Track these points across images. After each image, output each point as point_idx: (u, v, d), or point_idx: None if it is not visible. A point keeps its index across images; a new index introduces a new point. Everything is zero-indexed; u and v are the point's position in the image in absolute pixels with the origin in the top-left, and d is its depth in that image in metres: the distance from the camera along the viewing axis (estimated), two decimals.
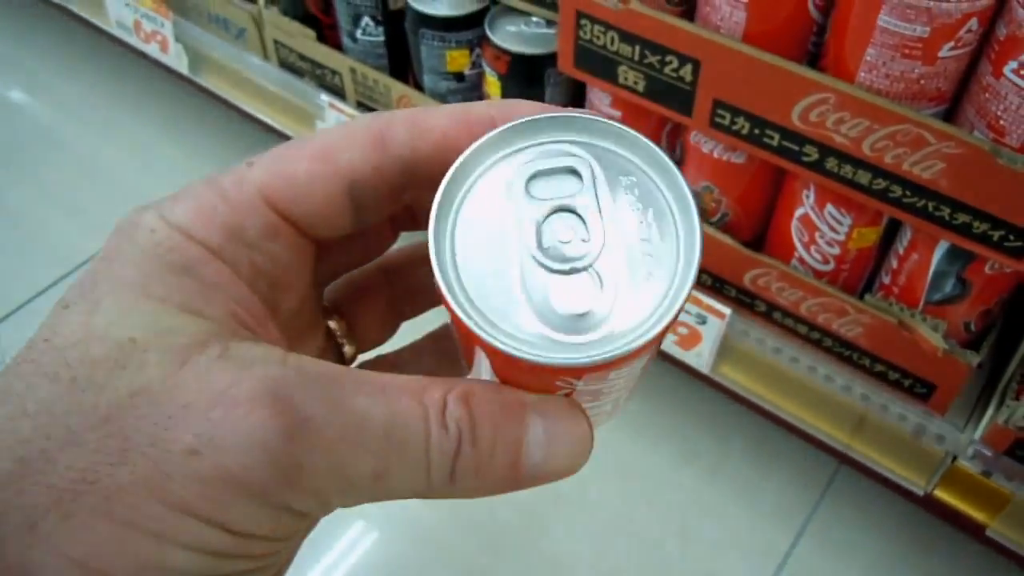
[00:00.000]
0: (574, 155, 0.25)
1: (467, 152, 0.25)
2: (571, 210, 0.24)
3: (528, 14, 0.96)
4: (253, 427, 0.21)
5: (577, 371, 0.24)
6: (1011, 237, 0.71)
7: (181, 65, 1.33)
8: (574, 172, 0.25)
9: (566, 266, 0.24)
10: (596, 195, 0.25)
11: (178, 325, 0.22)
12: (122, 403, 0.21)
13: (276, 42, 1.19)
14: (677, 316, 0.24)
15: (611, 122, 0.25)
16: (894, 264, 0.83)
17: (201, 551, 0.21)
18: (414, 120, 0.26)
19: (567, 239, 0.24)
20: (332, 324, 0.31)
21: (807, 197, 0.82)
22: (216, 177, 0.25)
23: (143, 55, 1.43)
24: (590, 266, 0.24)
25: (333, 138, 0.26)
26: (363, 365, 0.32)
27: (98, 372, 0.21)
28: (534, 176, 0.25)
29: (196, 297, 0.23)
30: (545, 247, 0.24)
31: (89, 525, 0.20)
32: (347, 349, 0.31)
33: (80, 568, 0.20)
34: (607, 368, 0.24)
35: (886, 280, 0.85)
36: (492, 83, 0.97)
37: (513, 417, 0.24)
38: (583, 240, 0.24)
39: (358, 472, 0.22)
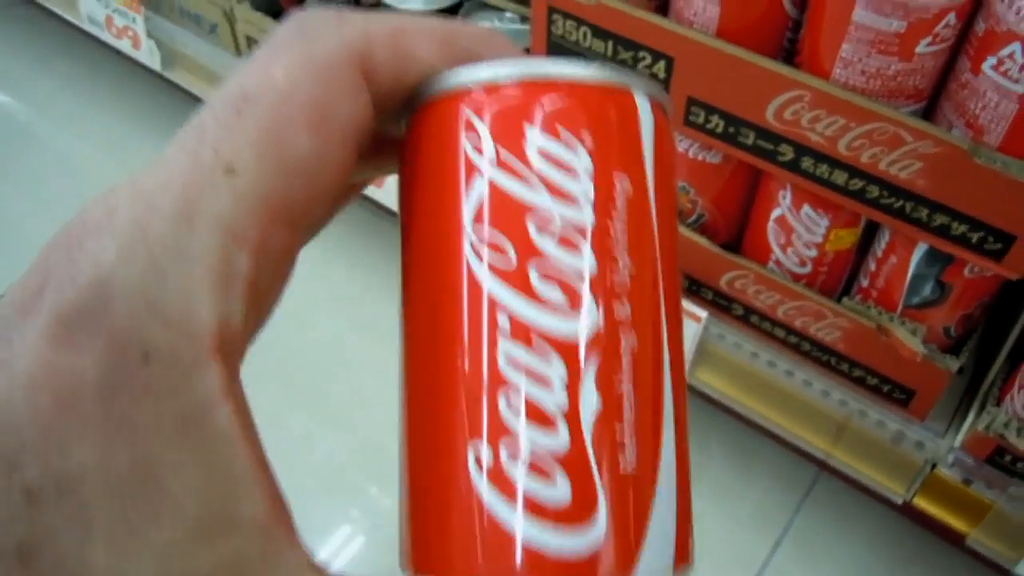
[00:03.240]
0: None
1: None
2: None
3: (502, 10, 0.94)
4: None
5: None
6: (990, 239, 0.69)
7: (154, 61, 1.31)
8: None
9: None
10: None
11: (195, 550, 0.18)
12: None
13: (248, 38, 1.16)
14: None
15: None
16: (872, 267, 0.81)
17: None
18: (396, 48, 0.22)
19: None
20: None
21: (784, 198, 0.80)
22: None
23: (116, 51, 1.40)
24: None
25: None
26: None
27: None
28: None
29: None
30: None
31: None
32: None
33: None
34: None
35: (864, 283, 0.83)
36: None
37: None
38: None
39: None
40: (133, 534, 0.17)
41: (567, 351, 0.20)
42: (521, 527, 0.19)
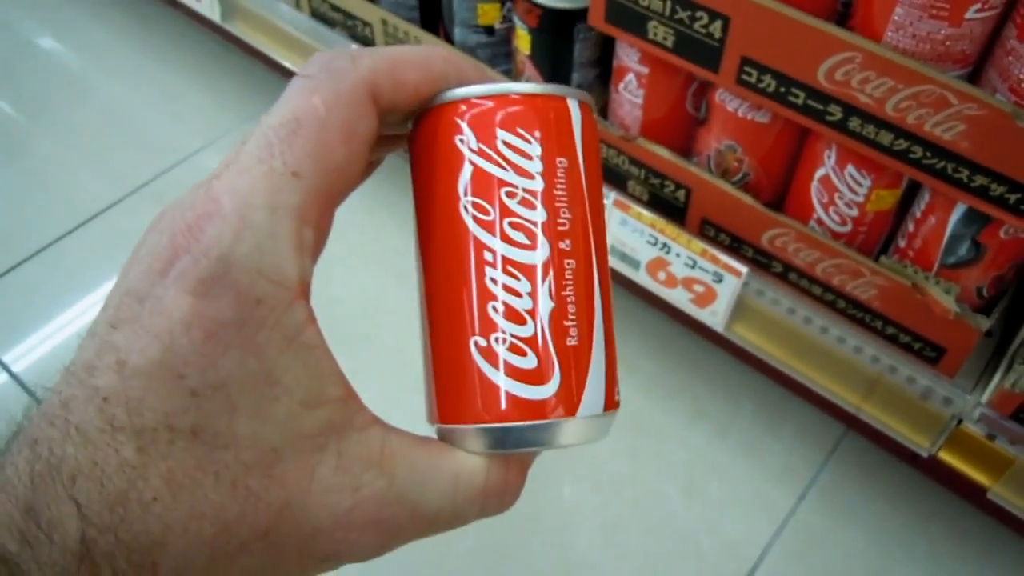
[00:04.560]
0: None
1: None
2: None
3: None
4: (363, 546, 0.28)
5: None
6: None
7: (213, 13, 1.35)
8: None
9: None
10: None
11: (304, 416, 0.27)
12: (274, 517, 0.26)
13: None
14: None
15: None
16: (911, 228, 0.85)
17: None
18: (394, 78, 0.30)
19: None
20: None
21: (829, 158, 0.84)
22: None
23: (175, 3, 1.45)
24: None
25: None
26: None
27: (252, 479, 0.26)
28: None
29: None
30: None
31: None
32: None
33: None
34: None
35: (902, 244, 0.87)
36: (522, 37, 0.98)
37: None
38: None
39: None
40: (263, 411, 0.26)
41: (530, 273, 0.30)
42: (504, 384, 0.29)
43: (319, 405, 0.27)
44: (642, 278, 1.04)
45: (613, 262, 1.04)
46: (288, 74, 1.33)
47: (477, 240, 0.30)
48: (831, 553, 1.10)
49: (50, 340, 1.29)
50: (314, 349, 0.27)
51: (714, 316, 1.00)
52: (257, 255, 0.25)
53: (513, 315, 0.29)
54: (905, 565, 1.09)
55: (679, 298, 1.02)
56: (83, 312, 1.32)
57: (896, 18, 0.70)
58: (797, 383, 1.02)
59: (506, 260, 0.29)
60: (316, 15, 1.23)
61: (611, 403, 0.31)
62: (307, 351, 0.27)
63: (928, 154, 0.75)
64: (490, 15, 1.02)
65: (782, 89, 0.80)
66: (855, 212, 0.86)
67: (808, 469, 1.16)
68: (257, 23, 1.32)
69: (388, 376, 1.22)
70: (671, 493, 1.14)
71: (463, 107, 0.30)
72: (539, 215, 0.30)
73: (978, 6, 0.67)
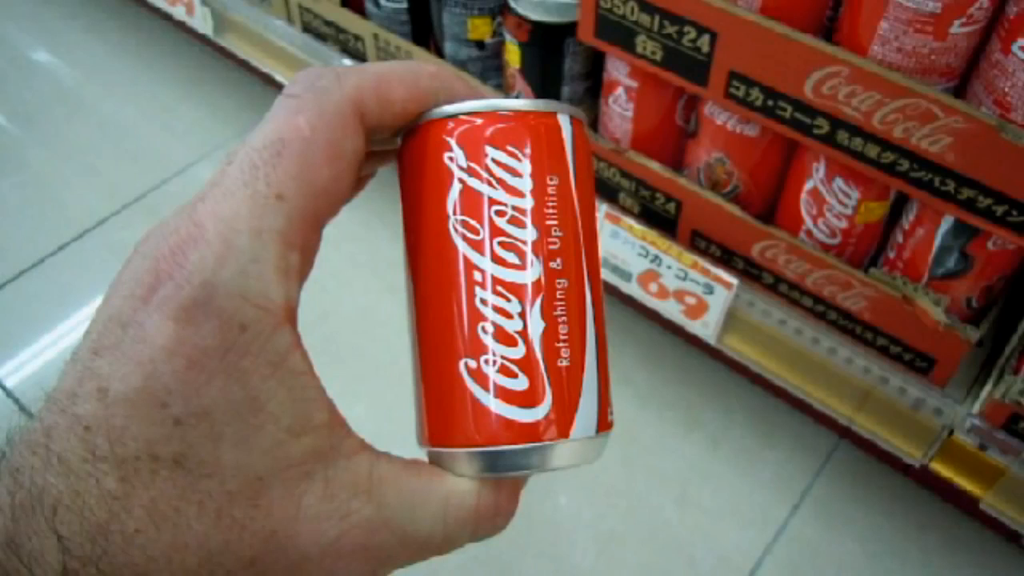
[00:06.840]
0: None
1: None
2: None
3: None
4: (353, 574, 0.28)
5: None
6: (1014, 212, 0.73)
7: (206, 27, 1.35)
8: None
9: None
10: None
11: (289, 444, 0.27)
12: (260, 547, 0.26)
13: (301, 6, 1.21)
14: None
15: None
16: (899, 239, 0.85)
17: None
18: (380, 96, 0.29)
19: None
20: None
21: (817, 170, 0.84)
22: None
23: (168, 17, 1.45)
24: None
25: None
26: None
27: (236, 509, 0.26)
28: None
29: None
30: None
31: None
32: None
33: None
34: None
35: (891, 255, 0.87)
36: (512, 51, 0.98)
37: None
38: None
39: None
40: (248, 439, 0.25)
41: (520, 293, 0.29)
42: (495, 406, 0.29)
43: (305, 432, 0.26)
44: (634, 290, 1.04)
45: (604, 274, 1.05)
46: (281, 87, 1.34)
47: (466, 260, 0.29)
48: (825, 563, 1.10)
49: (43, 355, 1.29)
50: (300, 375, 0.26)
51: (705, 328, 1.01)
52: (241, 280, 0.25)
53: (503, 336, 0.29)
54: (899, 575, 1.09)
55: (671, 310, 1.02)
56: (77, 326, 1.32)
57: (881, 32, 0.70)
58: (790, 394, 1.02)
59: (496, 280, 0.29)
60: (308, 29, 1.23)
61: (604, 424, 0.31)
62: (292, 377, 0.26)
63: (915, 167, 0.75)
64: (481, 30, 1.03)
65: (769, 103, 0.80)
66: (844, 224, 0.86)
67: (802, 479, 1.16)
68: (249, 37, 1.32)
69: (381, 389, 1.22)
70: (665, 504, 1.14)
71: (451, 124, 0.30)
72: (529, 234, 0.29)
73: (962, 20, 0.68)
